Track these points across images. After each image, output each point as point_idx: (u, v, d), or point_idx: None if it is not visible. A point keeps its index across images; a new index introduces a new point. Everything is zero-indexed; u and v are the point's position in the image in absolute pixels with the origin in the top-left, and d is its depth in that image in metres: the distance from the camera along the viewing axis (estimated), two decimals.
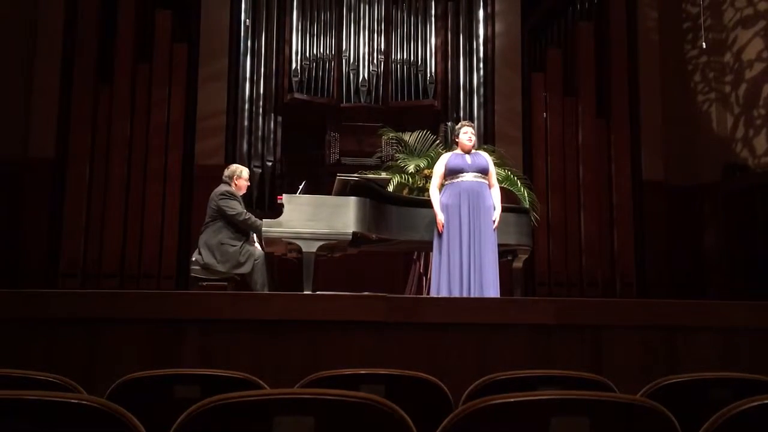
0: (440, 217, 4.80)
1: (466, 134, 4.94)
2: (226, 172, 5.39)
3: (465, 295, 4.60)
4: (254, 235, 5.25)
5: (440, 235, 4.80)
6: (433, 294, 4.75)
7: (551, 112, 8.37)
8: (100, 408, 1.41)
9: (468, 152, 4.93)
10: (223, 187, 5.26)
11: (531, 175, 7.94)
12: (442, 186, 4.93)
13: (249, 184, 5.55)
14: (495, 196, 4.93)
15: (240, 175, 5.37)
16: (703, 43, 7.73)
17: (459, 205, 4.77)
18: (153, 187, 7.64)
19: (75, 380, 1.98)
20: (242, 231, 5.17)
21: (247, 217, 5.14)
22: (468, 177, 4.84)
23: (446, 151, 5.66)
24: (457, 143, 4.98)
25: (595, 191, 8.19)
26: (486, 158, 5.00)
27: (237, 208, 5.16)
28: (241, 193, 5.34)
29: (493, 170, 5.00)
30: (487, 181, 4.90)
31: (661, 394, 1.99)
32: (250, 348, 3.07)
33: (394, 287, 6.49)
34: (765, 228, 7.52)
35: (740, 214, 7.86)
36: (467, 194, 4.79)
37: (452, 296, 4.57)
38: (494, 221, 4.81)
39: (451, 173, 4.87)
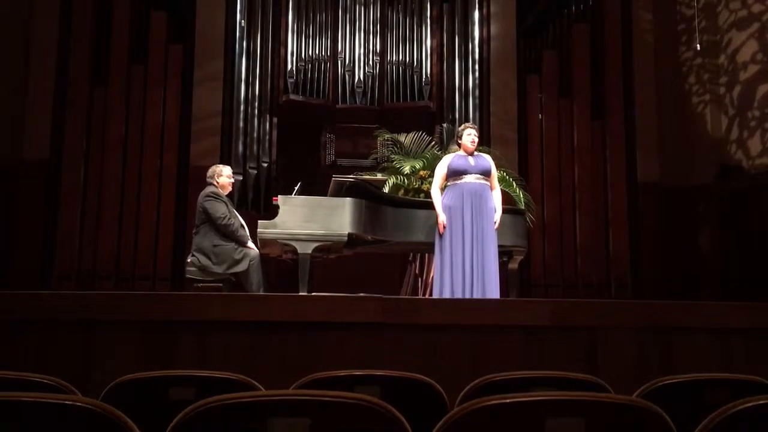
0: (442, 218, 4.79)
1: (470, 136, 4.93)
2: (208, 173, 5.37)
3: (468, 296, 4.60)
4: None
5: (442, 236, 4.79)
6: (436, 295, 4.75)
7: (546, 114, 8.38)
8: (95, 410, 1.41)
9: (471, 154, 4.94)
10: (209, 189, 5.24)
11: (526, 176, 7.94)
12: (443, 187, 4.93)
13: (233, 180, 5.51)
14: (496, 198, 4.94)
15: (220, 173, 5.34)
16: (698, 45, 7.75)
17: (462, 207, 4.77)
18: (148, 189, 7.62)
19: (70, 382, 1.97)
20: None
21: (229, 222, 5.08)
22: (471, 179, 4.84)
23: (442, 153, 5.65)
24: (460, 145, 4.98)
25: (590, 192, 8.21)
26: (489, 160, 5.01)
27: (219, 211, 5.10)
28: (226, 192, 5.32)
29: (495, 172, 5.02)
30: (489, 183, 4.91)
31: (656, 394, 1.99)
32: (246, 349, 3.06)
33: (389, 288, 6.48)
34: (759, 229, 7.54)
35: (735, 214, 7.88)
36: (470, 196, 4.79)
37: (455, 297, 4.58)
38: (495, 223, 4.82)
39: (454, 174, 4.87)
